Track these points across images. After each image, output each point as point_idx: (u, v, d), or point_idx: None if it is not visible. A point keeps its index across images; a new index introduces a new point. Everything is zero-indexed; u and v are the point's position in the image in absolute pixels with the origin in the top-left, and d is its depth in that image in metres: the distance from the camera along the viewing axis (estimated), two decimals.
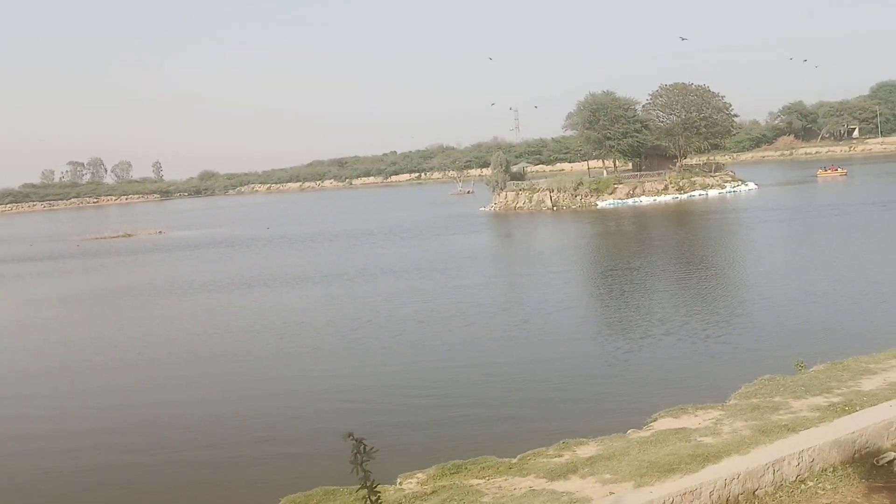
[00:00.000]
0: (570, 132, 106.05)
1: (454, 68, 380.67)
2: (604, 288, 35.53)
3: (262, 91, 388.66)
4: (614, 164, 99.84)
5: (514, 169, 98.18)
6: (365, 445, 5.03)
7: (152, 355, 26.84)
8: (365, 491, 5.06)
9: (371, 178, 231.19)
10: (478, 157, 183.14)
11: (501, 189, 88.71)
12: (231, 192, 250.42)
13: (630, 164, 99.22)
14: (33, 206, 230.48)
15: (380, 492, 5.13)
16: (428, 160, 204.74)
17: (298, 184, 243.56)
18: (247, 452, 16.95)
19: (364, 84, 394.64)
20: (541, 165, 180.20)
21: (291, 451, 16.85)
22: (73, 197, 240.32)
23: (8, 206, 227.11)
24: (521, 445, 14.54)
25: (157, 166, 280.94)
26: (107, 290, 45.07)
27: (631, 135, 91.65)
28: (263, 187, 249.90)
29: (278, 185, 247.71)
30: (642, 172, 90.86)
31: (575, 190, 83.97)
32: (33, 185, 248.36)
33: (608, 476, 11.91)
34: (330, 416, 18.95)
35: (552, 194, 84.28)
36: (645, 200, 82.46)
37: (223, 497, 14.21)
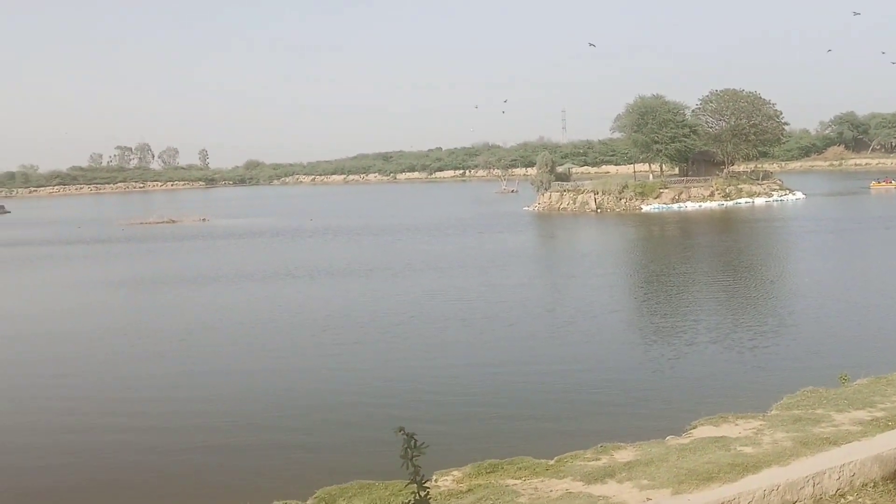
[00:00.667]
0: (617, 134, 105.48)
1: (501, 66, 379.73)
2: (649, 293, 35.32)
3: (309, 83, 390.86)
4: (661, 169, 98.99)
5: (560, 169, 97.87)
6: (415, 440, 5.11)
7: (194, 343, 27.22)
8: (414, 486, 5.14)
9: (415, 174, 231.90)
10: (523, 156, 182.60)
11: (546, 189, 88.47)
12: (276, 182, 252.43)
13: (676, 169, 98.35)
14: (80, 188, 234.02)
15: (429, 487, 5.20)
16: (473, 157, 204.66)
17: (343, 176, 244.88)
18: (284, 442, 17.15)
19: (410, 79, 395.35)
20: (586, 167, 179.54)
21: (328, 443, 17.02)
22: (120, 181, 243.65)
23: (55, 187, 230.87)
24: (559, 447, 14.52)
25: (204, 154, 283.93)
26: (150, 276, 45.80)
27: (679, 139, 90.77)
28: (308, 178, 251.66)
29: (323, 177, 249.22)
30: (688, 177, 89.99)
31: (620, 193, 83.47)
32: (81, 168, 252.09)
33: (646, 482, 11.87)
34: (369, 411, 19.09)
35: (597, 196, 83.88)
36: (690, 206, 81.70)
37: (259, 485, 14.38)
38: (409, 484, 5.20)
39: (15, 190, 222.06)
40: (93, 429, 18.45)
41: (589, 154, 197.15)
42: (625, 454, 13.71)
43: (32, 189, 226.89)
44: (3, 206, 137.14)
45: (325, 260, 49.22)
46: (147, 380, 22.73)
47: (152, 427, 18.28)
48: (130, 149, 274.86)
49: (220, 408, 19.69)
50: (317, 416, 18.75)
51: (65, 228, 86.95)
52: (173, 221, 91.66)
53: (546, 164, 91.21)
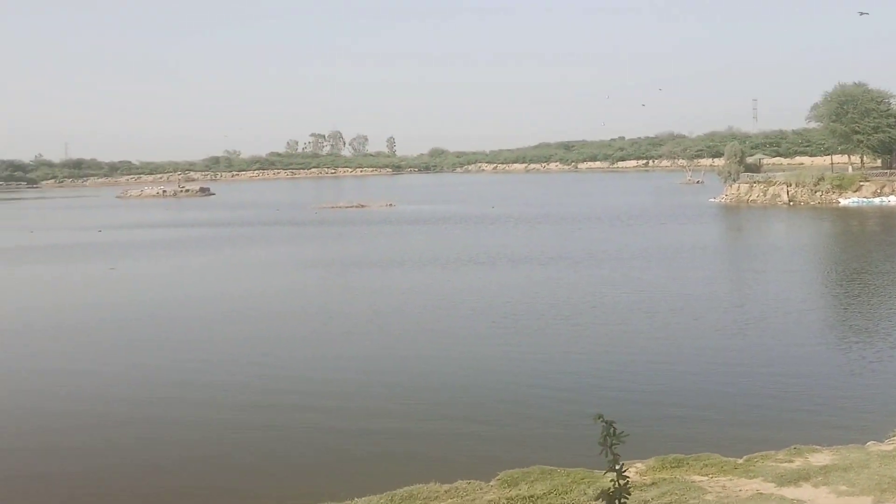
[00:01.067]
0: (813, 124, 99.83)
1: (686, 55, 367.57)
2: (847, 291, 33.29)
3: (494, 69, 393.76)
4: (861, 161, 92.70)
5: (749, 160, 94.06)
6: (615, 428, 5.14)
7: (382, 325, 28.14)
8: (612, 474, 5.18)
9: (597, 163, 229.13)
10: (710, 146, 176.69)
11: (734, 180, 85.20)
12: (458, 169, 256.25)
13: (879, 161, 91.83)
14: (277, 173, 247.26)
15: (628, 477, 5.23)
16: (657, 147, 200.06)
17: (524, 165, 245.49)
18: (465, 426, 17.46)
19: (595, 66, 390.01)
20: (778, 158, 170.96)
21: (507, 430, 17.19)
22: (314, 167, 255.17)
23: (255, 172, 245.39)
24: (747, 447, 14.11)
25: (391, 141, 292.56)
26: (341, 258, 47.81)
27: (883, 130, 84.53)
28: (490, 166, 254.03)
29: (504, 165, 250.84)
30: (892, 170, 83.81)
31: (815, 185, 79.01)
32: (278, 154, 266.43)
33: (844, 488, 11.32)
34: (548, 398, 19.18)
35: (789, 188, 79.83)
36: (894, 200, 76.17)
37: (446, 466, 14.72)
38: (606, 472, 5.25)
39: (219, 174, 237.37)
40: (281, 407, 19.42)
41: (781, 144, 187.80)
42: (820, 457, 13.12)
43: (235, 173, 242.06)
44: (208, 189, 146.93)
45: (506, 247, 49.61)
46: (333, 361, 23.70)
47: (339, 408, 19.07)
48: (324, 136, 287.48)
49: (401, 391, 20.28)
50: (496, 403, 18.96)
51: (264, 211, 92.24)
52: (362, 206, 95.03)
53: (735, 155, 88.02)
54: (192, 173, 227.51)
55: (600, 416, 5.18)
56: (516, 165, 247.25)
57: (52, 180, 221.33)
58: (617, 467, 5.14)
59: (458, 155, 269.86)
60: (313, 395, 19.98)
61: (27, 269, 46.81)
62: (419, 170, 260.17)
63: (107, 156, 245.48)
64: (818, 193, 78.36)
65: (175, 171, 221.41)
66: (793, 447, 13.65)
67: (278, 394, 20.07)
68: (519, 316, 28.55)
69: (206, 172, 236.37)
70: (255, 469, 15.50)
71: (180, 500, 14.46)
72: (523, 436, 16.80)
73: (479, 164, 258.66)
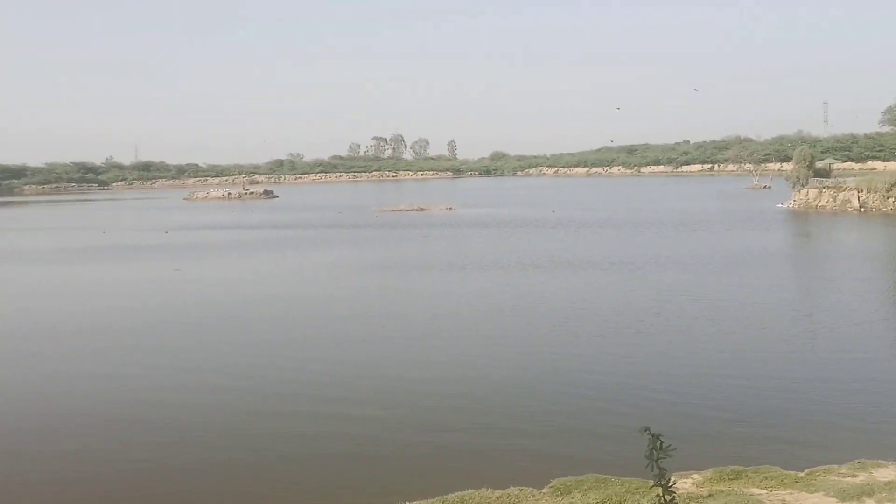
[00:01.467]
0: (886, 128, 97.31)
1: (755, 57, 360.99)
2: None
3: (555, 73, 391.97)
4: None
5: (819, 165, 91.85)
6: (661, 441, 5.01)
7: (440, 328, 28.15)
8: (659, 489, 5.05)
9: (660, 167, 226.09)
10: (778, 150, 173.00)
11: (802, 186, 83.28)
12: (519, 173, 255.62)
13: None
14: (339, 176, 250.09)
15: (675, 491, 5.10)
16: (723, 151, 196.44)
17: (585, 169, 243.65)
18: (518, 431, 17.36)
19: (657, 70, 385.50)
20: (849, 163, 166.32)
21: (560, 437, 17.02)
22: (375, 170, 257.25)
23: (318, 175, 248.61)
24: (809, 461, 13.74)
25: (452, 145, 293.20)
26: (401, 261, 48.05)
27: None
28: (550, 170, 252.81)
29: (565, 169, 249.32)
30: None
31: (888, 191, 76.61)
32: (340, 157, 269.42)
33: None
34: (605, 406, 18.93)
35: (860, 194, 77.59)
36: None
37: (499, 472, 14.65)
38: (653, 486, 5.12)
39: (283, 176, 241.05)
40: (329, 413, 19.57)
41: (853, 149, 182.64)
42: (886, 472, 12.70)
43: (298, 176, 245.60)
44: (271, 191, 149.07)
45: (567, 251, 49.26)
46: (389, 364, 23.74)
47: (393, 412, 19.12)
48: (385, 139, 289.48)
49: (457, 395, 20.26)
50: (552, 410, 18.78)
51: (326, 213, 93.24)
52: (422, 209, 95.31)
53: (804, 159, 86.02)
54: (256, 176, 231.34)
55: (646, 429, 5.06)
56: (577, 169, 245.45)
57: (122, 182, 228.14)
58: (663, 482, 5.01)
59: (519, 159, 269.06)
60: (365, 400, 20.05)
61: (99, 268, 48.13)
62: (479, 173, 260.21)
63: (175, 158, 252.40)
64: (891, 199, 76.07)
65: (240, 174, 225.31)
66: (857, 461, 13.24)
67: (329, 402, 20.15)
68: (579, 322, 28.25)
69: (270, 175, 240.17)
70: (314, 472, 15.61)
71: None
72: (577, 443, 16.62)
73: (540, 168, 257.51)
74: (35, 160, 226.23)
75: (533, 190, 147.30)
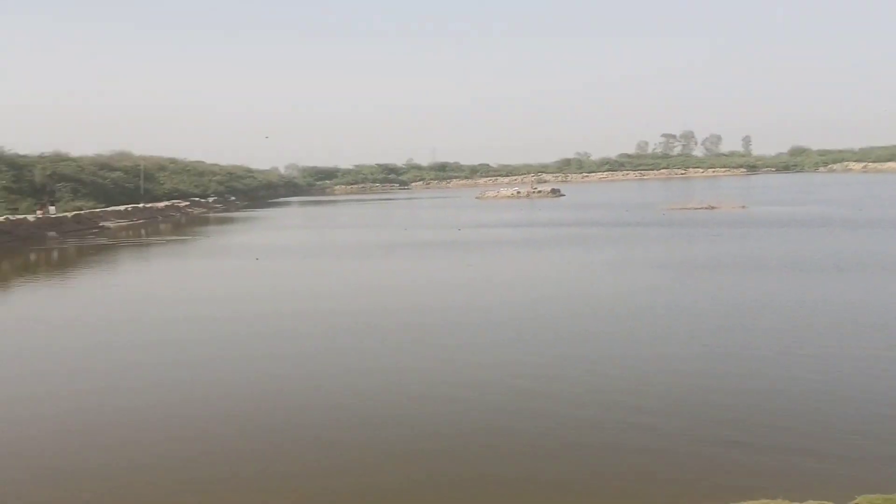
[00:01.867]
0: None
1: None
2: None
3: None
4: None
5: None
6: None
7: (732, 326, 27.07)
8: None
9: None
10: None
11: None
12: (822, 169, 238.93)
13: None
14: (626, 174, 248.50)
15: None
16: None
17: None
18: (793, 442, 16.24)
19: None
20: None
21: (862, 449, 15.78)
22: (663, 168, 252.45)
23: (604, 173, 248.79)
24: None
25: (747, 140, 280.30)
26: (690, 260, 46.75)
27: None
28: (858, 165, 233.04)
29: (876, 164, 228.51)
30: None
31: None
32: (628, 155, 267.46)
33: None
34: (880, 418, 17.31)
35: None
36: None
37: (796, 484, 13.94)
38: None
39: (570, 175, 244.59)
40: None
41: None
42: None
43: (584, 175, 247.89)
44: (558, 190, 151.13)
45: (877, 254, 45.33)
46: (670, 363, 23.19)
47: (670, 419, 18.61)
48: (675, 136, 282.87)
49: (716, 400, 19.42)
50: (826, 419, 17.45)
51: (611, 211, 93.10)
52: (712, 208, 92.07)
53: None
54: (544, 175, 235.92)
55: None
56: (891, 164, 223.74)
57: (420, 182, 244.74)
58: None
59: (822, 153, 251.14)
60: (646, 405, 19.77)
61: (400, 264, 51.46)
62: (777, 170, 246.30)
63: (468, 159, 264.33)
64: None
65: (528, 173, 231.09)
66: None
67: (613, 407, 20.06)
68: (890, 329, 25.90)
69: (558, 174, 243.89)
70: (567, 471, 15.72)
71: None
72: (885, 457, 15.34)
73: (846, 163, 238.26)
74: (345, 162, 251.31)
75: (836, 187, 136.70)
